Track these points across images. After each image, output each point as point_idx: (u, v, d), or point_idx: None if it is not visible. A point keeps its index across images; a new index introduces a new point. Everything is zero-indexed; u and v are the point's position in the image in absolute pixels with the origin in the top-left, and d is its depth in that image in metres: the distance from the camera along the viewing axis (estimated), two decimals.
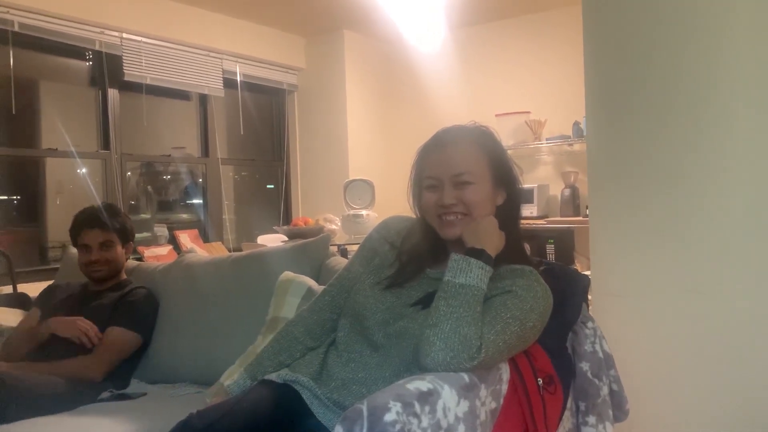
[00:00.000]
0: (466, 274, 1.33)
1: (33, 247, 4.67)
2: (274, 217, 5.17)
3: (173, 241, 4.31)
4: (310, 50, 5.13)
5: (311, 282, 2.01)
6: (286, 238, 3.94)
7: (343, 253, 3.50)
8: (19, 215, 4.21)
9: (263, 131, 5.25)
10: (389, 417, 1.09)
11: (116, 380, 2.21)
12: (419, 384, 1.19)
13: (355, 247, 3.45)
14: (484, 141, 1.50)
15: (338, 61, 5.00)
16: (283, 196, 5.23)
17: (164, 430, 1.75)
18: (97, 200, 4.33)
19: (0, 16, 3.42)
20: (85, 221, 2.38)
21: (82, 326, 2.19)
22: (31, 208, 4.87)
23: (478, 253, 1.36)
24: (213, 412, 1.34)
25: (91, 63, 4.17)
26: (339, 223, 4.00)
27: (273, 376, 1.51)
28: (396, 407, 1.11)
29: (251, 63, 4.76)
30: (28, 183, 4.84)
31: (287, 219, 5.11)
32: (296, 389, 1.47)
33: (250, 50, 4.72)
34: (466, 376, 1.26)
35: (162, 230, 4.44)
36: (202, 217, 5.01)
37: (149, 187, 5.63)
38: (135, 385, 2.25)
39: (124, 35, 3.99)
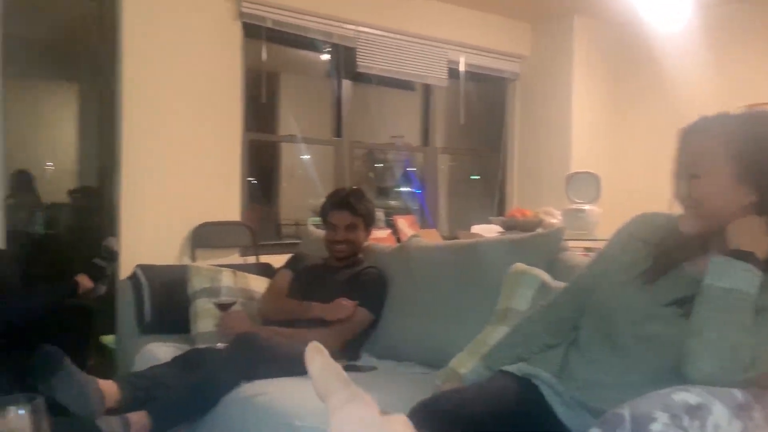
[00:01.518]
0: (729, 278, 1.19)
1: (268, 224, 5.19)
2: (484, 207, 5.15)
3: (390, 225, 4.47)
4: (536, 37, 4.99)
5: (545, 275, 1.95)
6: (501, 229, 3.90)
7: None
8: (257, 194, 4.66)
9: (481, 121, 5.23)
10: (656, 427, 1.01)
11: (349, 352, 2.35)
12: (686, 396, 1.09)
13: (577, 243, 3.30)
14: (737, 130, 1.30)
15: (566, 47, 4.80)
16: (498, 187, 5.17)
17: (395, 404, 1.81)
18: (318, 186, 4.67)
19: (256, 13, 3.79)
20: (336, 203, 2.56)
21: (345, 312, 2.33)
22: (266, 189, 5.40)
23: (744, 255, 1.21)
24: (458, 395, 1.36)
25: (328, 55, 4.46)
26: (559, 217, 3.85)
27: (512, 369, 1.49)
28: (663, 418, 1.02)
29: (475, 52, 4.75)
30: (265, 166, 5.38)
31: (501, 210, 5.05)
32: (536, 384, 1.44)
33: (475, 39, 4.71)
34: (738, 394, 1.13)
35: (380, 215, 4.64)
36: (416, 204, 5.15)
37: (370, 173, 5.95)
38: (365, 359, 2.38)
39: (359, 28, 4.21)
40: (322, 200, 2.72)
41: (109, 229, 3.42)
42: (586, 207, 3.82)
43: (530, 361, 1.52)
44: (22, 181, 4.83)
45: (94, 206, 4.59)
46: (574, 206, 3.88)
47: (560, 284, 1.82)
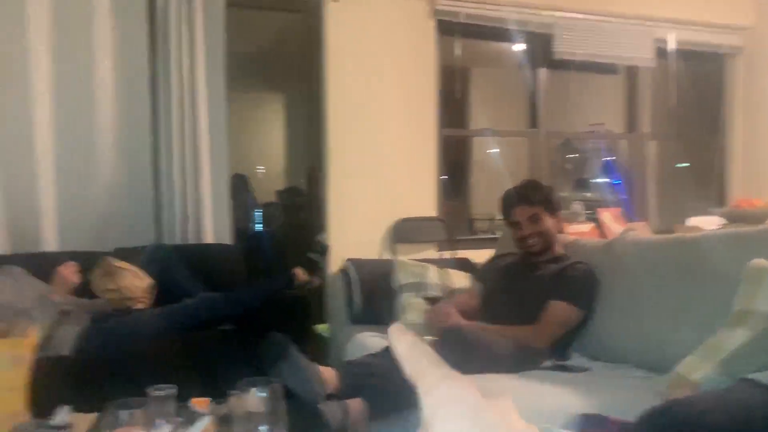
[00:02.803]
0: None
1: (461, 219, 5.19)
2: (696, 197, 4.67)
3: (592, 219, 4.23)
4: (763, 4, 4.41)
5: None
6: (722, 222, 3.51)
7: None
8: (449, 190, 4.66)
9: (692, 103, 4.75)
10: None
11: (557, 351, 2.25)
12: None
13: None
14: None
15: None
16: (717, 175, 4.65)
17: (610, 409, 1.71)
18: (506, 181, 4.55)
19: (449, 9, 3.80)
20: (511, 200, 2.50)
21: None
22: (457, 184, 5.41)
23: None
24: (694, 404, 1.22)
25: (523, 45, 4.33)
26: None
27: (759, 377, 1.32)
28: None
29: (687, 27, 4.32)
30: (457, 161, 5.39)
31: (721, 200, 4.54)
32: None
33: (686, 13, 4.28)
34: None
35: (578, 208, 4.41)
36: (619, 196, 4.82)
37: (567, 164, 5.70)
38: (576, 359, 2.26)
39: (556, 13, 4.03)
40: None
41: (319, 226, 3.65)
42: None
43: None
44: (239, 184, 5.34)
45: (301, 204, 4.94)
46: None
47: None
